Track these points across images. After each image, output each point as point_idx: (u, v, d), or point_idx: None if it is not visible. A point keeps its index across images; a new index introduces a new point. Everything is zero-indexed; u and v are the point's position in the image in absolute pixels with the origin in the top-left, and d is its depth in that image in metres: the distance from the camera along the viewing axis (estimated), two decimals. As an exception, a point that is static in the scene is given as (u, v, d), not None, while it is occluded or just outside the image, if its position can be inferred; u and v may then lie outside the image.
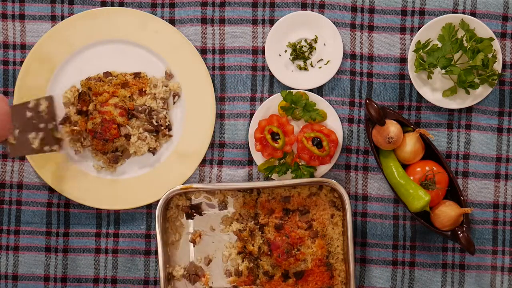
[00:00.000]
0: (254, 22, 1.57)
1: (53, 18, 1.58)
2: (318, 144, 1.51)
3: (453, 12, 1.54)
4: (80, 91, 1.56)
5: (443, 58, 1.48)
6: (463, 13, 1.54)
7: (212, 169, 1.58)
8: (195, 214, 1.56)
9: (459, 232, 1.48)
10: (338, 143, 1.53)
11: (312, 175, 1.53)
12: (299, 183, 1.51)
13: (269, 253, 1.53)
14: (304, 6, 1.56)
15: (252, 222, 1.54)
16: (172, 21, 1.57)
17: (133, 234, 1.59)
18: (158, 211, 1.49)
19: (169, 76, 1.57)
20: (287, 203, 1.54)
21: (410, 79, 1.54)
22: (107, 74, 1.57)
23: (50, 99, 1.48)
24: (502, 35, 1.54)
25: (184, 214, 1.56)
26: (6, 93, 1.59)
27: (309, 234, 1.53)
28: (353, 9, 1.55)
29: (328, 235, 1.54)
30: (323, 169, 1.55)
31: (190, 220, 1.56)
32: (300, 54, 1.56)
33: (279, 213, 1.54)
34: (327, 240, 1.54)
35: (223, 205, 1.55)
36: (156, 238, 1.51)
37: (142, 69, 1.57)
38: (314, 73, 1.56)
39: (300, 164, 1.53)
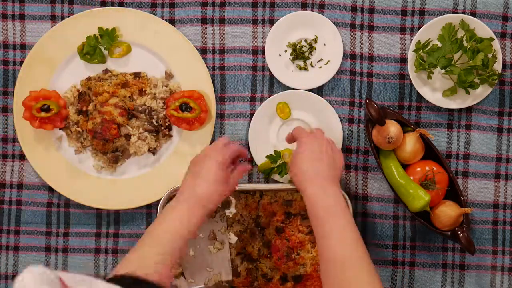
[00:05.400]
0: (254, 22, 1.57)
1: (53, 18, 1.58)
2: (187, 108, 1.51)
3: (453, 12, 1.54)
4: (80, 91, 1.56)
5: (443, 58, 1.48)
6: (463, 13, 1.54)
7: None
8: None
9: (459, 232, 1.48)
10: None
11: None
12: None
13: (268, 255, 1.53)
14: (304, 6, 1.56)
15: (253, 224, 1.54)
16: (172, 21, 1.57)
17: (133, 234, 1.59)
18: (160, 207, 1.49)
19: (169, 76, 1.57)
20: (289, 207, 1.54)
21: (410, 79, 1.54)
22: (106, 71, 1.57)
23: None
24: (502, 35, 1.54)
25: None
26: (6, 93, 1.59)
27: (309, 239, 1.52)
28: (353, 9, 1.55)
29: (328, 241, 1.54)
30: (323, 169, 1.55)
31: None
32: (300, 54, 1.56)
33: (281, 216, 1.54)
34: (327, 246, 1.54)
35: (226, 205, 1.55)
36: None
37: (142, 69, 1.57)
38: (314, 73, 1.56)
39: None
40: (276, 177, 1.55)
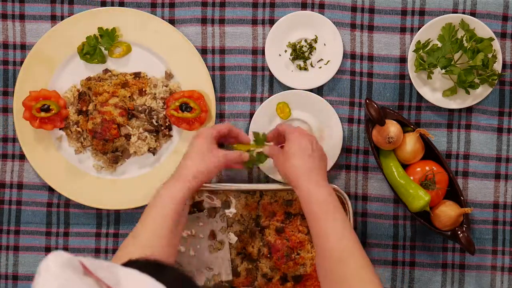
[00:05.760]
0: (254, 22, 1.57)
1: (53, 18, 1.58)
2: (187, 108, 1.51)
3: (453, 12, 1.54)
4: (80, 91, 1.57)
5: (443, 58, 1.48)
6: (463, 13, 1.54)
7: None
8: (196, 211, 1.55)
9: (459, 232, 1.48)
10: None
11: None
12: None
13: (268, 255, 1.53)
14: (304, 6, 1.56)
15: (253, 224, 1.54)
16: (172, 21, 1.57)
17: (133, 234, 1.59)
18: None
19: (169, 76, 1.57)
20: (289, 207, 1.54)
21: (410, 79, 1.54)
22: (106, 71, 1.57)
23: None
24: (502, 35, 1.54)
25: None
26: (6, 93, 1.59)
27: (309, 239, 1.52)
28: (353, 9, 1.55)
29: (328, 241, 1.53)
30: (323, 169, 1.55)
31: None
32: (300, 54, 1.56)
33: (281, 216, 1.54)
34: (328, 245, 1.54)
35: (226, 205, 1.55)
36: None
37: (142, 69, 1.57)
38: (314, 73, 1.56)
39: None
40: (278, 177, 1.55)
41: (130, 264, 0.99)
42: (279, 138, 1.47)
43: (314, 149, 1.41)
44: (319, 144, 1.44)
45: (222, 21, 1.57)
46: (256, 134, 1.47)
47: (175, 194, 1.36)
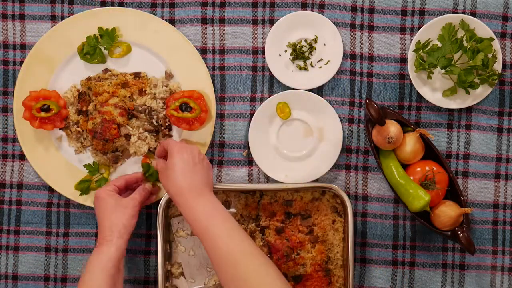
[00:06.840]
0: (254, 22, 1.57)
1: (53, 18, 1.58)
2: (187, 108, 1.51)
3: (453, 12, 1.54)
4: (80, 91, 1.57)
5: (443, 58, 1.48)
6: (463, 13, 1.54)
7: (212, 169, 1.57)
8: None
9: (459, 232, 1.48)
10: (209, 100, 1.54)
11: None
12: (302, 187, 1.51)
13: (268, 255, 1.52)
14: (304, 6, 1.56)
15: (253, 224, 1.54)
16: (172, 21, 1.57)
17: (133, 234, 1.58)
18: (159, 208, 1.49)
19: (169, 76, 1.57)
20: (289, 207, 1.54)
21: (410, 79, 1.54)
22: (106, 70, 1.57)
23: None
24: (502, 35, 1.54)
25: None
26: (6, 93, 1.59)
27: (309, 239, 1.53)
28: (353, 9, 1.55)
29: (328, 241, 1.54)
30: (322, 169, 1.55)
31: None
32: (300, 54, 1.56)
33: (281, 216, 1.54)
34: (327, 246, 1.54)
35: (226, 205, 1.55)
36: (156, 235, 1.51)
37: (142, 69, 1.57)
38: (314, 73, 1.56)
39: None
40: (278, 177, 1.55)
41: None
42: (166, 154, 1.48)
43: (196, 162, 1.41)
44: (202, 154, 1.44)
45: (222, 21, 1.57)
46: (144, 165, 1.54)
47: (104, 262, 1.39)
